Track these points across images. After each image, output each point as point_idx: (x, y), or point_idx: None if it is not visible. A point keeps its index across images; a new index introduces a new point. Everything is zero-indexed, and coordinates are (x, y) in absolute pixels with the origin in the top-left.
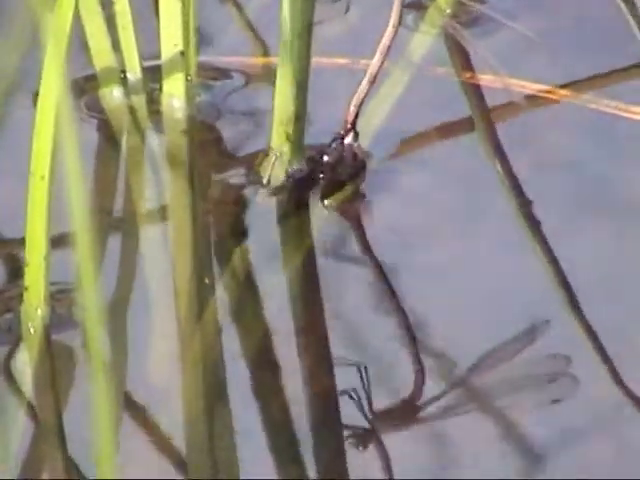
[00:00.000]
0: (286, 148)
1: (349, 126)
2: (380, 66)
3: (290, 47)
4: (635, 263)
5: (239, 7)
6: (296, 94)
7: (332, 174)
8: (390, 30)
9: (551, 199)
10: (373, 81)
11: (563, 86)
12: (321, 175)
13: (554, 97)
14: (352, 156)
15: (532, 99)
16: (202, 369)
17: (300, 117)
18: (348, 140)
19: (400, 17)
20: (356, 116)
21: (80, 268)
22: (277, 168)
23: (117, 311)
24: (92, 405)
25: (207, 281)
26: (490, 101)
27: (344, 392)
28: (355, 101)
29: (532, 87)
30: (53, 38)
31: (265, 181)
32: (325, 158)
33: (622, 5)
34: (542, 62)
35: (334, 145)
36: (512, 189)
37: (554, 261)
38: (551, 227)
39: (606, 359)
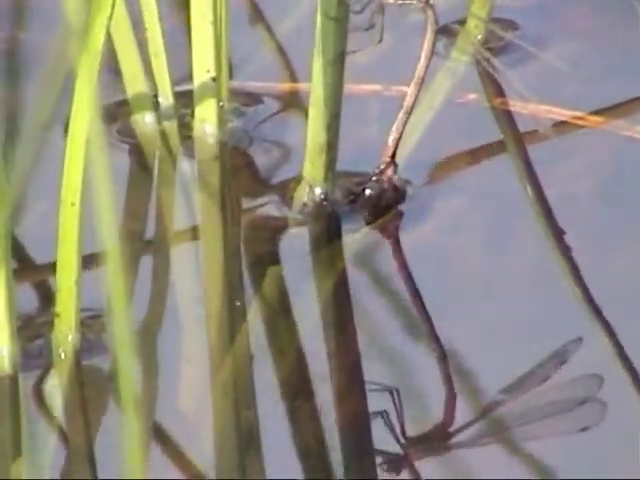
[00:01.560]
0: (319, 176)
1: (389, 159)
2: (416, 98)
3: (323, 75)
4: None
5: (270, 31)
6: (329, 122)
7: (373, 207)
8: (423, 62)
9: (582, 226)
10: (410, 113)
11: (594, 112)
12: (360, 205)
13: (586, 123)
14: (392, 188)
15: (563, 125)
16: (233, 395)
17: (333, 145)
18: (389, 173)
19: (433, 47)
20: (395, 148)
21: (110, 295)
22: (310, 196)
23: (148, 336)
24: (122, 432)
25: (238, 304)
26: (521, 127)
27: (377, 415)
28: (394, 134)
29: (563, 113)
30: (85, 65)
31: (298, 208)
32: (367, 192)
33: None
34: (574, 88)
35: (375, 178)
36: (543, 214)
37: (584, 287)
38: (581, 254)
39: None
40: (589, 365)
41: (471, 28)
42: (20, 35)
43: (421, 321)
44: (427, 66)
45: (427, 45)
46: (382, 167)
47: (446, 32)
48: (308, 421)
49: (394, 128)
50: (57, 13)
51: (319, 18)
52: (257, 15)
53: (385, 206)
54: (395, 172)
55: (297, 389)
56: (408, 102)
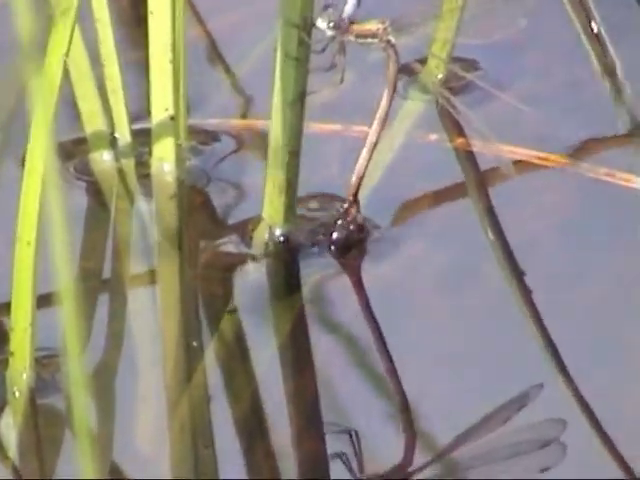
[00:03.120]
0: (279, 216)
1: (351, 198)
2: (378, 136)
3: (282, 115)
4: (624, 332)
5: (229, 71)
6: (288, 162)
7: (336, 248)
8: (385, 101)
9: (542, 266)
10: (372, 151)
11: (556, 153)
12: (322, 246)
13: (548, 164)
14: (356, 229)
15: (525, 165)
16: (190, 435)
17: (292, 185)
18: (352, 212)
19: (395, 87)
20: (358, 187)
21: (64, 335)
22: (269, 236)
23: (104, 375)
24: (78, 471)
25: (195, 344)
26: (482, 167)
27: (335, 456)
28: (357, 174)
29: (526, 153)
30: (41, 101)
31: (257, 249)
32: (335, 235)
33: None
34: (535, 128)
35: (339, 221)
36: (504, 256)
37: (543, 328)
38: (541, 295)
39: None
40: (549, 409)
41: (432, 68)
42: None
43: (380, 362)
44: (389, 105)
45: (389, 84)
46: (346, 206)
47: (407, 71)
48: (266, 460)
49: (357, 167)
50: (10, 45)
51: (279, 57)
52: (216, 54)
53: (348, 246)
54: (358, 211)
55: (255, 429)
56: (370, 140)
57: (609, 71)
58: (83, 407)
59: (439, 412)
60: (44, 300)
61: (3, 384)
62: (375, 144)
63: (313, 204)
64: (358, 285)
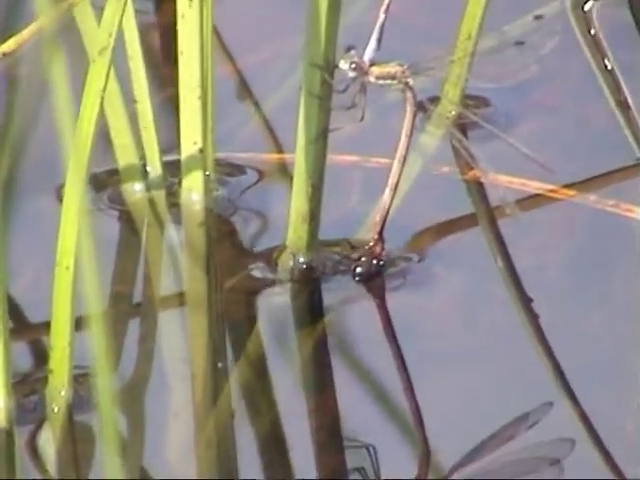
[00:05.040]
0: (302, 244)
1: (376, 237)
2: (400, 175)
3: (306, 150)
4: (628, 358)
5: (257, 106)
6: (312, 193)
7: (362, 278)
8: (404, 141)
9: (550, 295)
10: (395, 190)
11: (565, 185)
12: (345, 273)
13: (557, 196)
14: (378, 263)
15: (534, 198)
16: (216, 452)
17: (315, 216)
18: (377, 250)
19: (413, 126)
20: (382, 226)
21: (95, 354)
22: (293, 263)
23: (136, 393)
24: None
25: (220, 365)
26: (493, 199)
27: (354, 471)
28: (380, 213)
29: (534, 185)
30: (78, 137)
31: (281, 275)
32: (358, 270)
33: (616, 110)
34: (545, 161)
35: (364, 258)
36: (513, 285)
37: (550, 352)
38: (548, 321)
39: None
40: (557, 430)
41: (445, 105)
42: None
43: (399, 383)
44: (408, 144)
45: (407, 124)
46: (371, 244)
47: (422, 107)
48: (287, 474)
49: (380, 206)
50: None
51: (303, 96)
52: (245, 90)
53: (369, 276)
54: (383, 249)
55: (277, 444)
56: (392, 182)
57: (622, 105)
58: (112, 421)
59: (452, 430)
60: (82, 321)
61: (42, 400)
62: (397, 184)
63: (336, 233)
64: (379, 310)
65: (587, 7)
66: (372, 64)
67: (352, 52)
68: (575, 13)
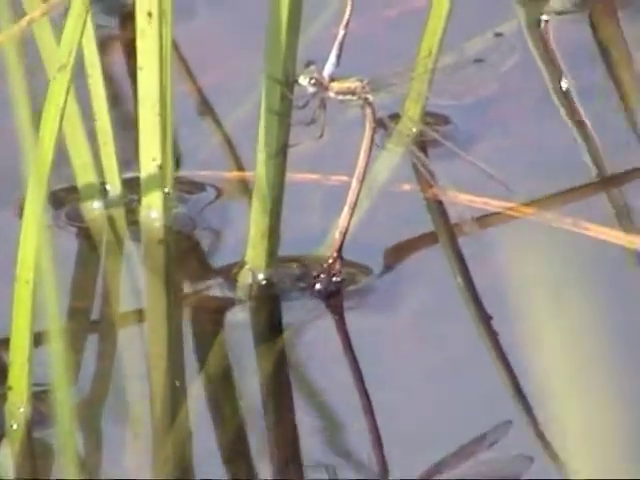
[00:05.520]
0: (261, 261)
1: (335, 254)
2: (359, 193)
3: (265, 166)
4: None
5: (217, 123)
6: (271, 209)
7: (321, 295)
8: (363, 158)
9: (508, 311)
10: (354, 208)
11: (524, 204)
12: (305, 290)
13: (516, 214)
14: (337, 280)
15: (493, 216)
16: (174, 469)
17: (275, 232)
18: (336, 267)
19: (372, 144)
20: (342, 243)
21: (54, 370)
22: (252, 279)
23: (94, 410)
24: None
25: (178, 383)
26: (453, 217)
27: None
28: (339, 230)
29: (494, 204)
30: (37, 155)
31: (240, 291)
32: (317, 287)
33: (570, 132)
34: (503, 180)
35: (323, 275)
36: (472, 302)
37: (509, 370)
38: (508, 339)
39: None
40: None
41: (405, 123)
42: None
43: (357, 401)
44: (367, 162)
45: (366, 141)
46: (330, 261)
47: (382, 124)
48: None
49: (340, 224)
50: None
51: (263, 112)
52: (205, 107)
53: (329, 293)
54: (342, 266)
55: (236, 462)
56: (351, 200)
57: (578, 124)
58: (71, 439)
59: (413, 449)
60: (42, 337)
61: (1, 417)
62: (355, 202)
63: (295, 250)
64: (338, 327)
65: (546, 24)
66: (332, 79)
67: (312, 67)
68: (534, 30)
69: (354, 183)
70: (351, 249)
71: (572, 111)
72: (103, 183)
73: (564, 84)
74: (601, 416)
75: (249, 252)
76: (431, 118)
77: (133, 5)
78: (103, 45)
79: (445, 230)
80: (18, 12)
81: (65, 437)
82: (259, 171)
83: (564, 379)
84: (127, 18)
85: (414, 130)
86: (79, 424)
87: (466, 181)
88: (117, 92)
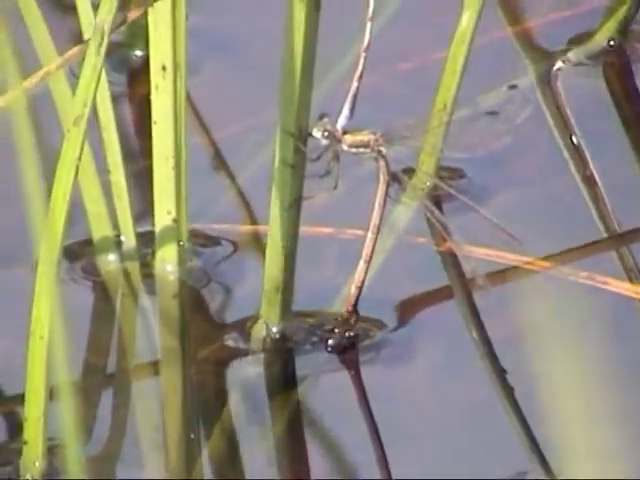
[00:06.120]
0: (275, 314)
1: (350, 308)
2: (374, 246)
3: (279, 219)
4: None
5: (232, 177)
6: (285, 263)
7: (336, 349)
8: (377, 211)
9: (524, 366)
10: (369, 262)
11: (541, 258)
12: (319, 344)
13: (532, 267)
14: (351, 334)
15: (509, 270)
16: None
17: (289, 286)
18: (351, 322)
19: (386, 197)
20: (357, 298)
21: (65, 425)
22: (267, 333)
23: (109, 463)
24: None
25: (193, 436)
26: (468, 271)
27: None
28: (355, 285)
29: (509, 257)
30: (54, 205)
31: (255, 345)
32: (330, 342)
33: (582, 186)
34: (518, 234)
35: (337, 330)
36: (487, 357)
37: (526, 425)
38: (523, 392)
39: None
40: None
41: (420, 177)
42: None
43: (372, 456)
44: (381, 215)
45: (380, 194)
46: (345, 316)
47: (397, 178)
48: None
49: (355, 278)
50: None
51: (276, 165)
52: (219, 161)
53: (343, 347)
54: (357, 320)
55: None
56: (366, 254)
57: (588, 180)
58: None
59: None
60: (57, 390)
61: (17, 472)
62: (371, 256)
63: (310, 305)
64: (352, 382)
65: (560, 76)
66: (345, 132)
67: (325, 120)
68: (548, 82)
69: (368, 236)
70: (365, 303)
71: (583, 165)
72: (118, 236)
73: (573, 139)
74: (615, 465)
75: (263, 306)
76: (445, 172)
77: (143, 60)
78: (114, 101)
79: (460, 284)
80: (32, 66)
81: None
82: (273, 224)
83: (580, 433)
84: (135, 74)
85: (428, 184)
86: (95, 475)
87: (481, 234)
88: (131, 147)
